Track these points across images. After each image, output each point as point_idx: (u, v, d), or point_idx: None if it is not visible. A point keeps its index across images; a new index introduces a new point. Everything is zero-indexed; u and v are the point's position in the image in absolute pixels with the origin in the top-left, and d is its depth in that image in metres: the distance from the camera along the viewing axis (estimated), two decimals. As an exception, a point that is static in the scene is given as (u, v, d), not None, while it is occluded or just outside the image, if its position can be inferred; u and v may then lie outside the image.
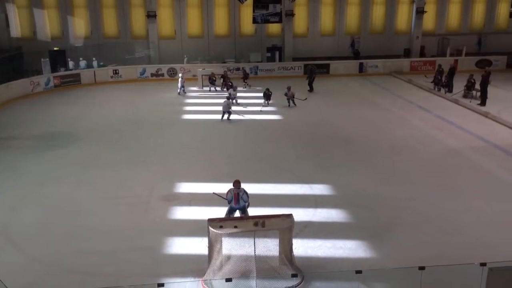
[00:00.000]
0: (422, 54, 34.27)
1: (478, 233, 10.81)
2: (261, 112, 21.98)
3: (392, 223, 11.40)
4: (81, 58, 30.18)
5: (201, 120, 21.21)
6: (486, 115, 20.89)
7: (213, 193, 11.17)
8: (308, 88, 26.39)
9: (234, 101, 22.56)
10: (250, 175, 14.33)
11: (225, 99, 21.32)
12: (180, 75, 26.96)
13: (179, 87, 26.17)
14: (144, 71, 30.73)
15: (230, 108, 20.73)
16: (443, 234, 10.82)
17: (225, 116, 20.50)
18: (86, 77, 29.28)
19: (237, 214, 10.58)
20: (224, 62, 31.51)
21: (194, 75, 29.37)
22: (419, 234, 10.86)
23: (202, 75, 27.93)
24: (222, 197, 10.66)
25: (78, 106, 24.30)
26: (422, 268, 7.69)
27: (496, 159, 15.77)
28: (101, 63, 30.77)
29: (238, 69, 30.80)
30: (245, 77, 28.15)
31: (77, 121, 21.04)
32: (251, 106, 22.95)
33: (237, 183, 10.57)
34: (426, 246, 10.32)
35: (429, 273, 7.85)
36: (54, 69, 29.01)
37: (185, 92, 26.37)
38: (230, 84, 24.73)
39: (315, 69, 27.56)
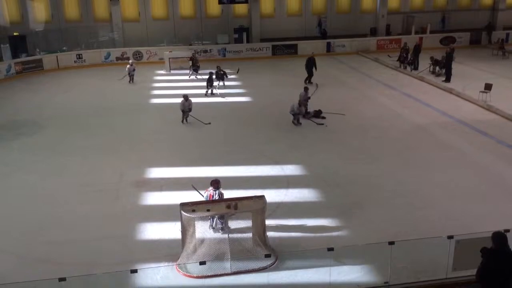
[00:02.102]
0: (388, 33, 34.59)
1: (445, 206, 11.14)
2: (231, 95, 21.81)
3: (362, 200, 11.63)
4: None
5: (169, 104, 20.90)
6: (450, 91, 21.37)
7: (192, 185, 10.72)
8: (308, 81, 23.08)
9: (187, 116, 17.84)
10: (221, 158, 14.35)
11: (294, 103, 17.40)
12: (130, 61, 25.39)
13: (128, 75, 24.44)
14: (108, 55, 29.98)
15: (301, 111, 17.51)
16: (411, 209, 11.12)
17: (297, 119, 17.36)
18: (48, 62, 28.36)
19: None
20: (191, 45, 31.02)
21: (161, 58, 28.87)
22: (388, 210, 11.12)
23: (169, 58, 27.49)
24: (199, 192, 10.28)
25: (42, 92, 23.61)
26: (391, 243, 7.91)
27: (461, 134, 16.21)
28: (64, 48, 29.88)
29: (206, 51, 30.43)
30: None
31: (41, 108, 20.45)
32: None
33: (215, 184, 9.98)
34: (395, 221, 10.58)
35: (399, 248, 8.09)
36: (15, 55, 27.99)
37: (133, 82, 24.53)
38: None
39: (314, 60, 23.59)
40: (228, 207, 9.34)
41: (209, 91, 21.67)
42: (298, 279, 8.66)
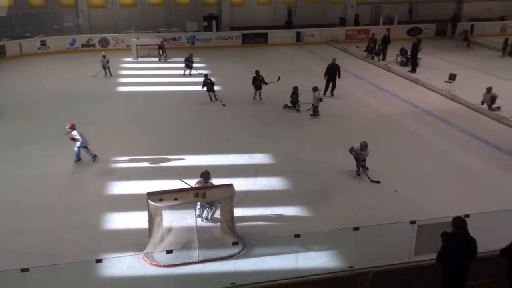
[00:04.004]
0: (356, 23, 34.89)
1: (410, 193, 11.41)
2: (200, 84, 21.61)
3: (329, 187, 11.80)
4: None
5: (137, 92, 20.62)
6: (416, 81, 21.80)
7: (180, 179, 10.47)
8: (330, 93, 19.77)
9: None
10: (190, 147, 14.27)
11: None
12: (102, 54, 23.90)
13: (103, 68, 22.90)
14: (74, 41, 29.19)
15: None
16: (377, 196, 11.36)
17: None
18: (11, 49, 27.37)
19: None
20: (159, 32, 30.54)
21: (128, 46, 28.32)
22: (355, 197, 11.33)
23: (136, 45, 27.01)
24: (189, 186, 10.14)
25: (3, 80, 22.79)
26: (356, 228, 8.05)
27: (426, 123, 16.58)
28: (27, 34, 28.94)
29: (174, 39, 30.05)
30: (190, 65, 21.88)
31: (2, 96, 19.76)
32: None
33: (204, 175, 9.99)
34: (361, 208, 10.79)
35: (364, 233, 8.24)
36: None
37: (111, 74, 23.09)
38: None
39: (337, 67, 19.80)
40: (196, 195, 9.31)
41: (258, 94, 19.18)
42: (265, 266, 8.73)
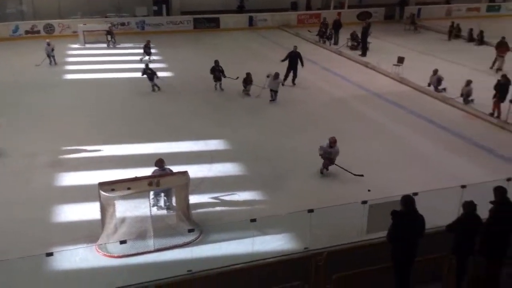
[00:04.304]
0: (308, 7, 35.07)
1: (363, 174, 11.64)
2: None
3: (285, 172, 11.90)
4: None
5: (85, 80, 19.93)
6: (366, 65, 22.25)
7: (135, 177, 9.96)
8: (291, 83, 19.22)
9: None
10: (143, 135, 13.99)
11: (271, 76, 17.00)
12: (47, 41, 22.37)
13: (48, 56, 21.73)
14: (17, 28, 27.75)
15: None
16: (331, 179, 11.58)
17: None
18: None
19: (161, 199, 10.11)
20: (107, 17, 29.55)
21: (74, 32, 27.26)
22: (310, 180, 11.50)
23: (83, 31, 26.06)
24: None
25: None
26: (311, 211, 8.18)
27: (376, 106, 17.00)
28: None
29: (123, 24, 29.19)
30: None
31: None
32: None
33: (159, 162, 9.84)
34: (316, 191, 10.97)
35: (318, 215, 8.38)
36: None
37: (56, 63, 21.98)
38: None
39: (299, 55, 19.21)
40: (150, 184, 9.16)
41: (218, 85, 18.44)
42: (222, 252, 8.75)
